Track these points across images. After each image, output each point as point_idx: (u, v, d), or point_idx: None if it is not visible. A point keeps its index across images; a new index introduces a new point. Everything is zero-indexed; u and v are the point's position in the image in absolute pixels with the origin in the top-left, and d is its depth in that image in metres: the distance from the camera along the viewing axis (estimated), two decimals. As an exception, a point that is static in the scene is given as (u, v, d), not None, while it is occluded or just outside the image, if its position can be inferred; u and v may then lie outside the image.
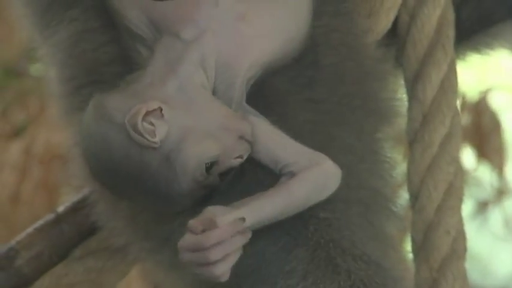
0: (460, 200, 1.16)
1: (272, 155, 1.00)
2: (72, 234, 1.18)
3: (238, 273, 0.99)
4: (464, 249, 1.15)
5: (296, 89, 1.06)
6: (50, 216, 1.19)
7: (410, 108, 1.18)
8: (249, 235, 0.97)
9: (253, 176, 1.03)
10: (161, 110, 0.98)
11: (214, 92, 1.01)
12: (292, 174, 0.99)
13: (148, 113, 0.97)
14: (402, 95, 1.19)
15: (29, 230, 1.18)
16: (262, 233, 0.99)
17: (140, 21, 1.04)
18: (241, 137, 1.01)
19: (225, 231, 0.94)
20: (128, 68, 1.04)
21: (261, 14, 1.03)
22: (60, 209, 1.18)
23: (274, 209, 0.98)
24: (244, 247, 0.99)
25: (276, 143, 1.00)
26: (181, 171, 0.98)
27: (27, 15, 1.19)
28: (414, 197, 1.17)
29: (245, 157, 1.01)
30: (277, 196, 0.98)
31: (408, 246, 1.17)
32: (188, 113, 1.03)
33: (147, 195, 1.02)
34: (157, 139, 0.97)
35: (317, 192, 0.99)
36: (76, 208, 1.21)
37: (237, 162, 1.00)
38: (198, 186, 1.01)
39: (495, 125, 2.54)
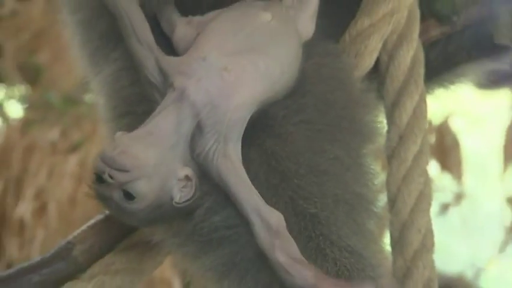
0: (429, 204, 1.18)
1: (238, 198, 1.00)
2: (117, 230, 1.19)
3: (241, 263, 1.01)
4: (432, 244, 1.17)
5: (291, 114, 1.06)
6: (99, 216, 1.20)
7: (388, 130, 1.19)
8: None
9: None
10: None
11: (200, 125, 0.99)
12: None
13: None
14: (382, 119, 1.20)
15: (83, 227, 1.19)
16: None
17: (154, 70, 1.04)
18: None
19: None
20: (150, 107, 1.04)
21: (243, 64, 1.02)
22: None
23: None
24: (246, 242, 1.00)
25: (241, 190, 1.00)
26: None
27: (81, 56, 1.22)
28: (392, 201, 1.18)
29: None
30: None
31: (386, 241, 1.17)
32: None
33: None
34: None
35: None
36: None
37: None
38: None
39: (455, 143, 2.57)
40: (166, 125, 1.00)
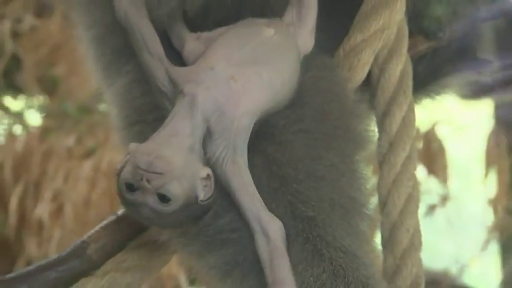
0: (417, 206, 1.18)
1: (241, 204, 1.00)
2: (128, 230, 1.18)
3: (243, 262, 1.01)
4: (420, 243, 1.17)
5: (291, 123, 1.06)
6: (112, 217, 1.19)
7: (379, 138, 1.19)
8: None
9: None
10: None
11: (210, 131, 0.99)
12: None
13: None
14: (374, 128, 1.20)
15: (97, 227, 1.18)
16: None
17: (165, 80, 1.04)
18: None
19: None
20: (160, 115, 1.04)
21: (248, 74, 1.02)
22: (120, 212, 1.18)
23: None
24: (248, 243, 1.00)
25: (245, 197, 1.00)
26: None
27: (96, 69, 1.22)
28: (383, 204, 1.18)
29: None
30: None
31: (378, 241, 1.17)
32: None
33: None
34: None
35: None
36: (131, 211, 1.21)
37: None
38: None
39: (441, 149, 2.57)
40: (183, 128, 0.99)
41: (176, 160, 0.97)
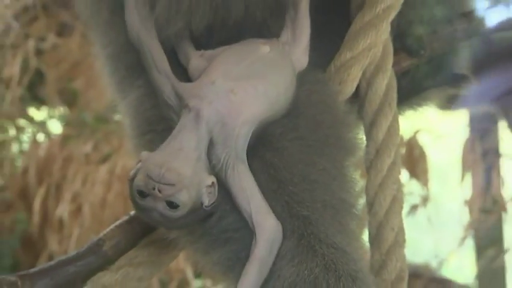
0: (401, 207, 1.18)
1: (240, 206, 1.00)
2: (140, 229, 1.18)
3: (245, 258, 0.99)
4: (404, 240, 1.17)
5: (287, 131, 1.06)
6: (125, 217, 1.19)
7: (367, 145, 1.19)
8: None
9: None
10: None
11: (213, 141, 1.00)
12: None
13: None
14: (362, 136, 1.19)
15: (112, 226, 1.18)
16: None
17: (171, 94, 1.05)
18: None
19: None
20: (168, 125, 1.04)
21: (246, 88, 1.02)
22: (132, 212, 1.18)
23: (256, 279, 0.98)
24: (249, 242, 0.99)
25: (247, 198, 1.00)
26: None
27: (111, 84, 1.22)
28: (370, 205, 1.18)
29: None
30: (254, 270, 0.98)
31: (366, 238, 1.17)
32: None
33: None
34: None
35: (271, 254, 0.99)
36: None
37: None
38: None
39: (422, 155, 2.57)
40: (189, 141, 0.99)
41: (185, 171, 0.97)
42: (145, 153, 1.00)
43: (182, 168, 0.97)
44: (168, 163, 0.97)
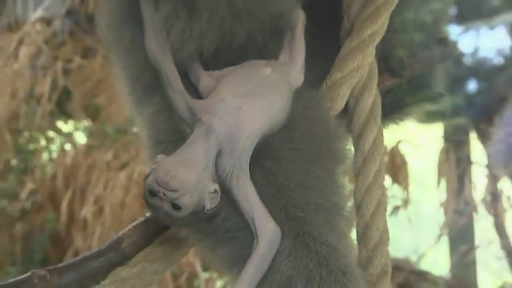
0: (385, 209, 1.17)
1: (243, 211, 1.00)
2: (155, 229, 1.17)
3: (247, 254, 0.99)
4: (387, 239, 1.16)
5: (285, 143, 1.06)
6: (142, 218, 1.19)
7: (355, 155, 1.18)
8: None
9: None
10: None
11: (221, 152, 1.00)
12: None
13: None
14: (351, 147, 1.19)
15: (130, 226, 1.17)
16: None
17: (185, 110, 1.05)
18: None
19: None
20: (181, 137, 1.05)
21: (252, 105, 1.02)
22: (148, 214, 1.17)
23: (256, 275, 0.97)
24: (251, 240, 0.99)
25: (249, 205, 0.99)
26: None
27: (129, 101, 1.22)
28: (358, 207, 1.17)
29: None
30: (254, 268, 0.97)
31: (354, 236, 1.17)
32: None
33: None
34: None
35: (270, 254, 0.98)
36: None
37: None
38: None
39: (403, 163, 2.56)
40: (199, 151, 0.99)
41: (189, 178, 0.97)
42: (160, 156, 1.00)
43: (187, 176, 0.97)
44: (174, 170, 0.97)
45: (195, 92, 1.08)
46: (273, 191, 1.02)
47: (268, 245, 0.97)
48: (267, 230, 0.98)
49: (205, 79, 1.09)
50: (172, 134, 1.09)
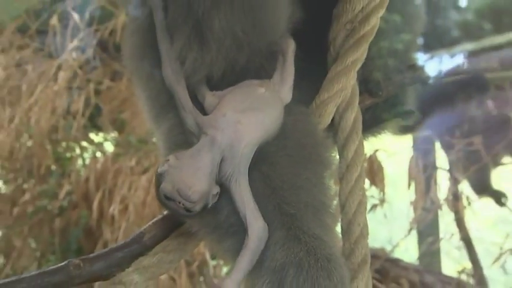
0: (365, 208, 1.17)
1: (238, 209, 1.00)
2: (171, 225, 1.17)
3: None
4: (367, 233, 1.15)
5: (278, 150, 1.06)
6: (160, 216, 1.19)
7: (340, 162, 1.18)
8: None
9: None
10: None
11: (223, 159, 1.00)
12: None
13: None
14: (336, 155, 1.19)
15: (150, 222, 1.17)
16: None
17: (193, 124, 1.05)
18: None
19: None
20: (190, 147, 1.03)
21: (249, 118, 1.03)
22: (165, 212, 1.17)
23: (247, 265, 0.97)
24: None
25: (243, 204, 0.99)
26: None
27: (149, 117, 1.22)
28: (342, 206, 1.17)
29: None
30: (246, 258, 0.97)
31: (339, 230, 1.16)
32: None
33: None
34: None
35: (259, 247, 0.98)
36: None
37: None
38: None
39: (380, 168, 2.55)
40: (206, 161, 0.99)
41: (204, 189, 0.98)
42: (172, 157, 1.01)
43: (203, 187, 0.98)
44: (194, 186, 0.97)
45: (201, 109, 1.09)
46: (268, 192, 1.02)
47: (257, 239, 0.97)
48: (256, 226, 0.98)
49: (209, 98, 1.09)
50: (184, 145, 1.09)
